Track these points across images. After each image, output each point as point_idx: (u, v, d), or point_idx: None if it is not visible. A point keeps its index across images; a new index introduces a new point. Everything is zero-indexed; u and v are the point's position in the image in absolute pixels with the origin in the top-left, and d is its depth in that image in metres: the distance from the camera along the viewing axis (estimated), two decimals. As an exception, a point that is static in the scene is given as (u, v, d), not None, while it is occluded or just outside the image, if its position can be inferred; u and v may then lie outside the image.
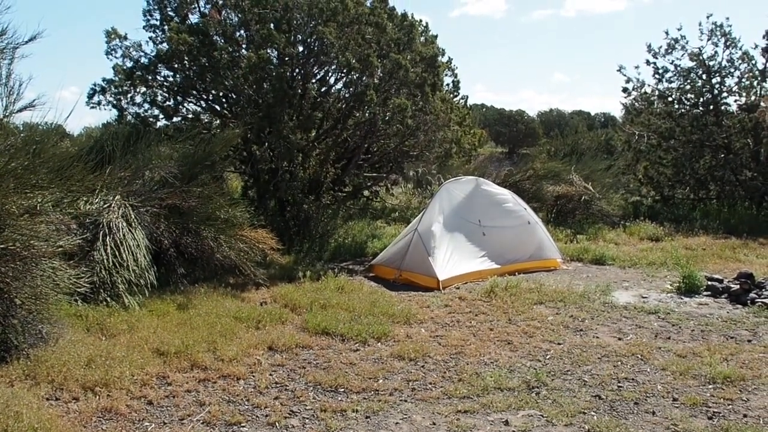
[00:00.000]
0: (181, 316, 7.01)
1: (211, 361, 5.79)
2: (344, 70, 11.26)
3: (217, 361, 5.82)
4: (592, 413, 4.91)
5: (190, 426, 4.61)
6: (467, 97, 17.47)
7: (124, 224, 7.56)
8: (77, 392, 4.97)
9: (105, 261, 7.16)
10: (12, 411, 4.29)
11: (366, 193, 14.24)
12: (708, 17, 15.83)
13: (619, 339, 6.76)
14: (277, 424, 4.70)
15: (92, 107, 11.33)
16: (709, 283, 8.73)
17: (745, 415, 4.85)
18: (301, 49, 11.20)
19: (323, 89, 11.89)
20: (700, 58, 15.95)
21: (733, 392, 5.26)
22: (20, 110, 6.16)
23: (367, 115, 11.61)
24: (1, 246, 5.33)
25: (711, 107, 16.10)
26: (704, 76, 16.08)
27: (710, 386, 5.42)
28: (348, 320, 7.11)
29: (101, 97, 11.29)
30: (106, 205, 7.70)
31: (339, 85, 12.10)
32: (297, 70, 11.23)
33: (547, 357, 6.20)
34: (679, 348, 6.41)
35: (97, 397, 4.93)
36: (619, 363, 6.02)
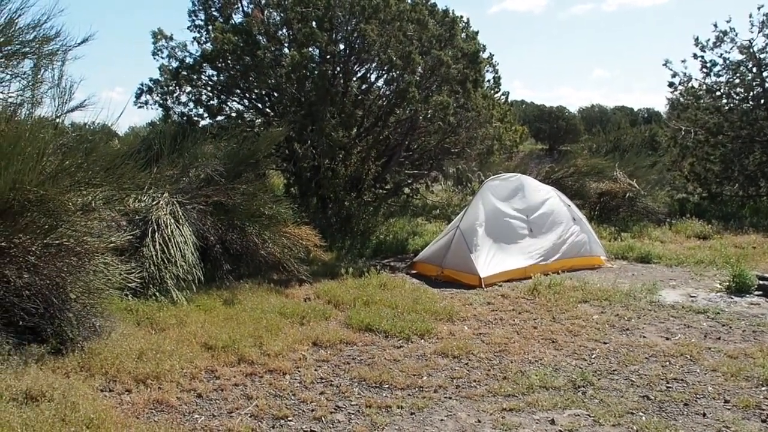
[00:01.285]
0: (227, 312, 7.13)
1: (258, 355, 5.88)
2: (385, 68, 11.27)
3: (263, 355, 5.90)
4: (641, 414, 4.84)
5: (239, 419, 4.68)
6: (508, 93, 17.32)
7: (172, 221, 7.71)
8: (130, 384, 5.10)
9: (154, 257, 7.32)
10: (69, 401, 4.43)
11: (406, 190, 14.24)
12: (759, 8, 15.43)
13: (667, 339, 6.66)
14: (323, 418, 4.75)
15: (140, 107, 11.63)
16: (761, 282, 8.52)
17: (799, 418, 4.73)
18: (342, 47, 11.26)
19: (364, 87, 11.94)
20: (751, 50, 15.57)
21: (786, 394, 5.14)
22: (72, 110, 6.34)
23: (408, 112, 11.60)
24: (57, 242, 5.49)
25: (762, 101, 15.70)
26: (755, 70, 15.69)
27: (763, 388, 5.30)
28: (391, 317, 7.14)
29: (148, 96, 11.56)
30: (154, 202, 7.87)
31: (380, 83, 12.14)
32: (338, 68, 11.30)
33: (593, 356, 6.13)
34: (730, 349, 6.28)
35: (149, 389, 5.05)
36: (668, 363, 5.92)
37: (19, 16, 5.92)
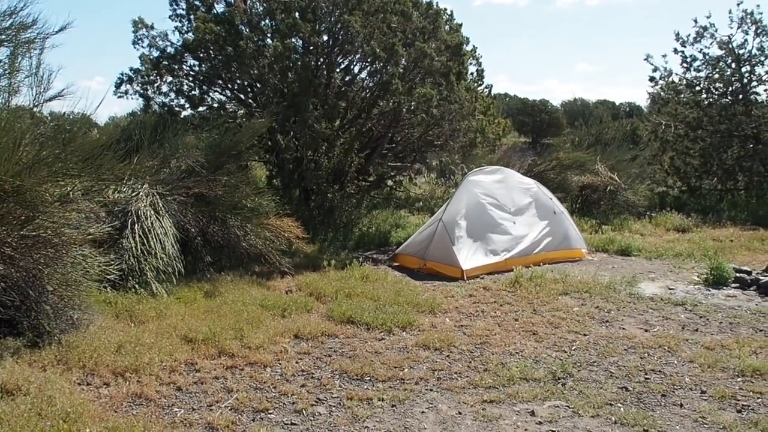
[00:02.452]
0: (208, 304, 7.09)
1: (238, 348, 5.85)
2: (369, 59, 11.24)
3: (244, 348, 5.87)
4: (619, 405, 4.88)
5: (219, 412, 4.66)
6: (491, 86, 17.37)
7: (152, 212, 7.64)
8: (108, 377, 5.06)
9: (133, 249, 7.25)
10: (45, 395, 4.38)
11: (390, 182, 14.23)
12: (738, 5, 15.56)
13: (646, 331, 6.72)
14: (304, 411, 4.74)
15: (120, 96, 11.49)
16: (738, 275, 8.62)
17: (775, 409, 4.79)
18: (326, 38, 11.20)
19: (348, 78, 11.90)
20: (730, 46, 15.70)
21: (762, 385, 5.20)
22: (49, 100, 6.25)
23: (391, 104, 11.57)
24: (34, 233, 5.42)
25: (740, 96, 15.84)
26: (733, 65, 15.83)
27: (739, 379, 5.37)
28: (373, 309, 7.13)
29: (128, 86, 11.42)
30: (134, 194, 7.79)
31: (363, 75, 12.15)
32: (322, 60, 11.24)
33: (573, 348, 6.18)
34: (707, 340, 6.35)
35: (128, 382, 5.01)
36: (646, 355, 5.98)
37: (-5, 3, 5.84)
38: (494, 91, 17.77)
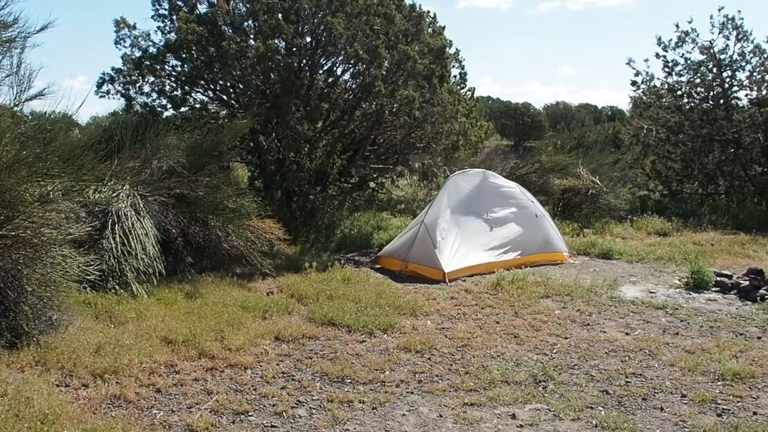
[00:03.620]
0: (188, 305, 7.04)
1: (219, 350, 5.82)
2: (352, 61, 11.24)
3: (225, 350, 5.84)
4: (600, 408, 4.91)
5: (198, 414, 4.63)
6: (474, 89, 17.38)
7: (133, 213, 7.58)
8: (87, 379, 5.01)
9: (114, 249, 7.18)
10: (23, 396, 4.33)
11: (372, 184, 14.23)
12: (720, 10, 15.72)
13: (627, 334, 6.76)
14: (284, 413, 4.72)
15: (101, 96, 11.37)
16: (718, 279, 8.69)
17: (754, 413, 4.84)
18: (309, 39, 11.18)
19: (330, 80, 11.87)
20: (711, 51, 15.84)
21: (742, 389, 5.25)
22: (30, 99, 6.18)
23: (374, 106, 11.58)
24: (13, 233, 5.35)
25: (721, 101, 16.00)
26: (715, 70, 15.97)
27: (719, 383, 5.42)
28: (354, 311, 7.12)
29: (110, 86, 11.31)
30: (114, 194, 7.72)
31: (346, 76, 12.11)
32: (305, 61, 11.22)
33: (554, 351, 6.20)
34: (688, 344, 6.40)
35: (107, 384, 4.97)
36: (627, 358, 6.01)
37: (-25, 2, 5.75)
38: (477, 94, 17.83)
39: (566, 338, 6.58)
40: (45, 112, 7.26)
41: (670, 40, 16.34)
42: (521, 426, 4.62)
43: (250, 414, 4.70)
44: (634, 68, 16.88)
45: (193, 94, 11.90)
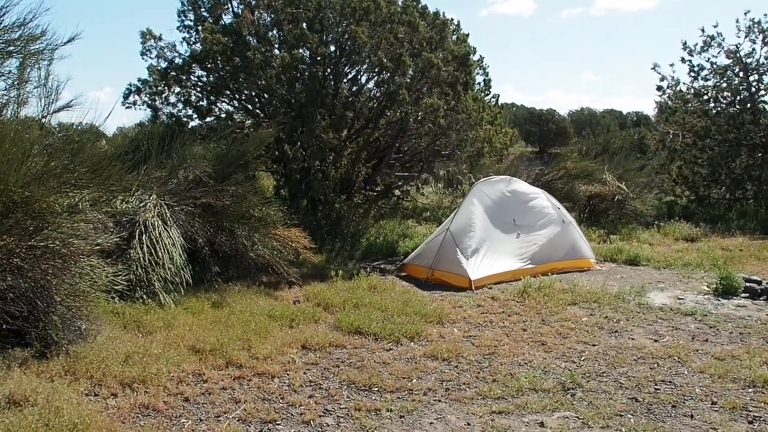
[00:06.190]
0: (215, 314, 7.08)
1: (246, 359, 5.83)
2: (376, 70, 11.28)
3: (252, 359, 5.86)
4: (629, 416, 4.84)
5: (226, 423, 4.64)
6: (498, 95, 17.32)
7: (160, 223, 7.65)
8: (115, 388, 5.04)
9: (141, 259, 7.25)
10: (53, 406, 4.37)
11: (397, 192, 14.23)
12: (746, 14, 15.62)
13: (656, 341, 6.66)
14: (311, 422, 4.71)
15: (128, 107, 11.56)
16: (747, 284, 8.55)
17: (787, 420, 4.74)
18: (333, 48, 11.24)
19: (355, 89, 11.93)
20: (737, 55, 15.68)
21: (774, 396, 5.15)
22: (58, 110, 6.29)
23: (398, 114, 11.59)
24: (42, 244, 5.43)
25: (748, 105, 15.81)
26: (741, 74, 15.80)
27: (750, 390, 5.31)
28: (381, 320, 7.11)
29: (136, 97, 11.49)
30: (142, 204, 7.81)
31: (371, 85, 12.17)
32: (329, 70, 11.28)
33: (582, 358, 6.13)
34: (717, 351, 6.30)
35: (135, 393, 5.00)
36: (656, 365, 5.93)
37: (4, 14, 5.88)
38: (500, 101, 17.74)
39: (594, 345, 6.50)
40: (72, 124, 7.36)
41: (696, 44, 16.25)
42: (550, 435, 4.57)
43: (277, 423, 4.70)
44: (659, 73, 16.80)
45: (218, 104, 12.05)
